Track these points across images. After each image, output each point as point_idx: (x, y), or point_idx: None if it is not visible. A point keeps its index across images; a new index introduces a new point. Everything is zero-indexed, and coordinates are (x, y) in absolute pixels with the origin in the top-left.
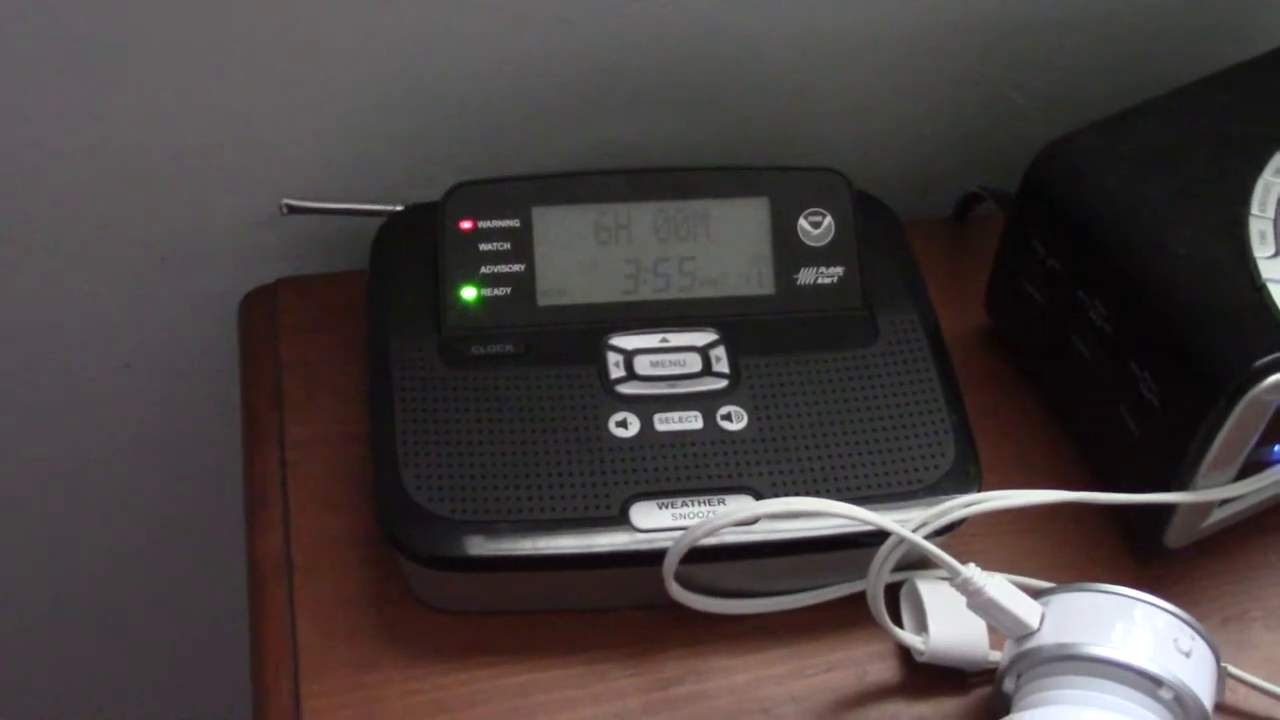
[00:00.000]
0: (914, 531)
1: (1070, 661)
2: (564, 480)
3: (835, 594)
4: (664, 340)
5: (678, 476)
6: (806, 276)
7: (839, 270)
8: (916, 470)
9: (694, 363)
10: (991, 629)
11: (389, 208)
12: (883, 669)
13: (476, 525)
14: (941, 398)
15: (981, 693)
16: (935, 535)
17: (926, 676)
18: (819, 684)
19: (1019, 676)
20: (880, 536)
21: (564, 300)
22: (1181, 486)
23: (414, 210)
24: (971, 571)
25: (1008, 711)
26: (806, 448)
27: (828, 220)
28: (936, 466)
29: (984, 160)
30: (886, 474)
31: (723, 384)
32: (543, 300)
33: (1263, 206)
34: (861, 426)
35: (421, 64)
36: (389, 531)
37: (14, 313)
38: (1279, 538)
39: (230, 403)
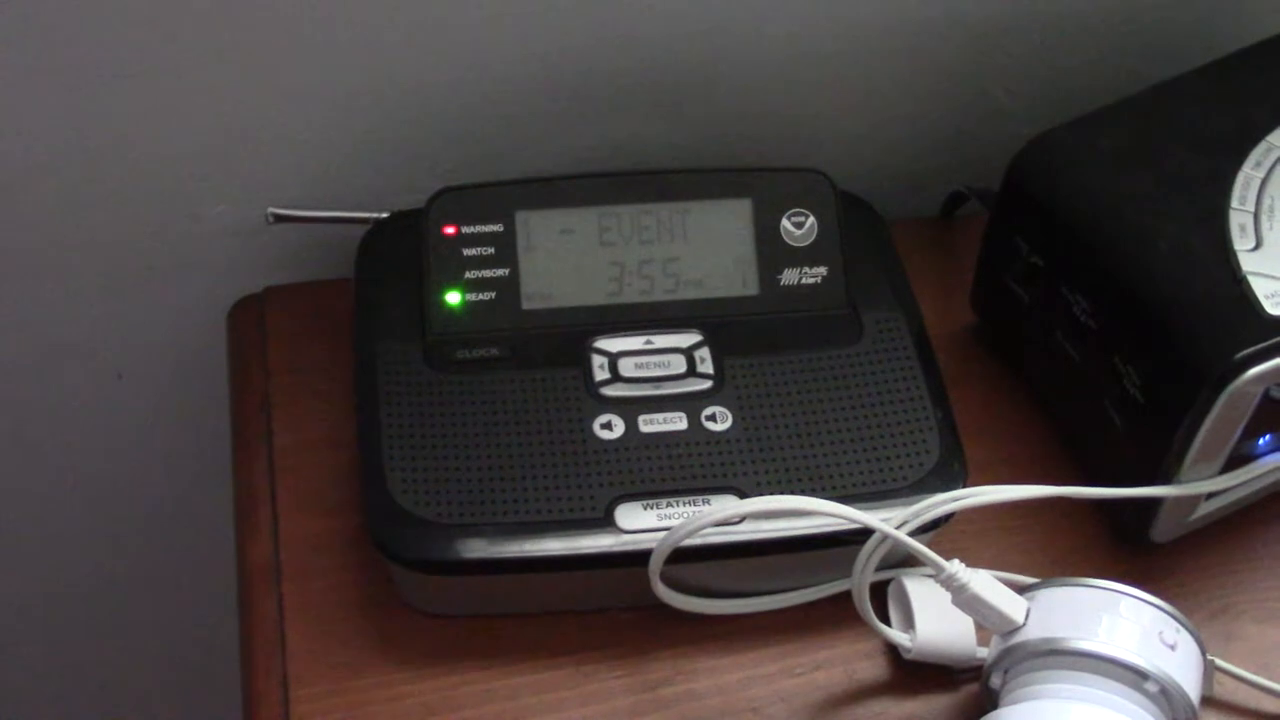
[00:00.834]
0: (898, 528)
1: (1055, 656)
2: (549, 483)
3: (822, 593)
4: (648, 342)
5: (662, 477)
6: (790, 277)
7: (822, 270)
8: (901, 468)
9: (678, 364)
10: (979, 625)
11: (374, 215)
12: (871, 667)
13: (462, 529)
14: (926, 395)
15: (970, 689)
16: (920, 532)
17: (915, 674)
18: (807, 683)
19: (1006, 672)
20: (865, 534)
21: (548, 304)
22: (1166, 481)
23: (399, 217)
24: (956, 568)
25: (996, 707)
26: (791, 447)
27: (811, 220)
28: (921, 464)
29: (971, 158)
30: (871, 472)
31: (707, 385)
32: (527, 304)
33: (1243, 200)
34: (846, 425)
35: (406, 71)
36: (375, 536)
37: (3, 322)
38: (1266, 530)
39: (221, 409)
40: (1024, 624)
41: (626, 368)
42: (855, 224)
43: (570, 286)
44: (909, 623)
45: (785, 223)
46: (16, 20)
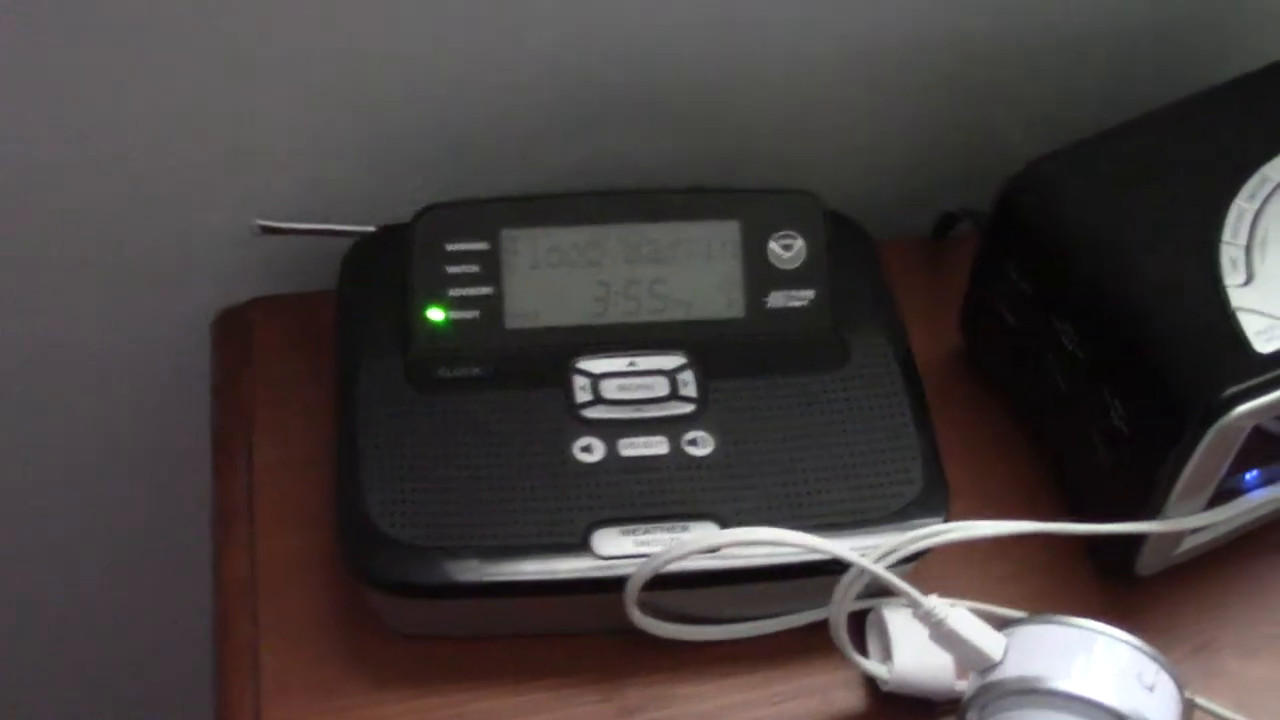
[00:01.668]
0: (875, 562)
1: (1032, 695)
2: (527, 506)
3: (801, 621)
4: (632, 364)
5: (641, 503)
6: (777, 299)
7: (809, 293)
8: (883, 497)
9: (661, 387)
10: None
11: (362, 229)
12: (849, 697)
13: (437, 552)
14: (910, 422)
15: None
16: (900, 564)
17: (892, 706)
18: (785, 712)
19: (984, 708)
20: (844, 565)
21: (533, 323)
22: (1152, 515)
23: (385, 231)
24: (933, 603)
25: None
26: (773, 473)
27: (799, 243)
28: (903, 493)
29: (967, 179)
30: (853, 500)
31: (689, 408)
32: (511, 323)
33: (1235, 233)
34: (829, 452)
35: (397, 84)
36: (348, 558)
37: None
38: (1251, 564)
39: (207, 420)
40: (1001, 661)
41: (609, 389)
42: (844, 245)
43: (555, 306)
44: (888, 653)
45: (773, 245)
46: (11, 28)
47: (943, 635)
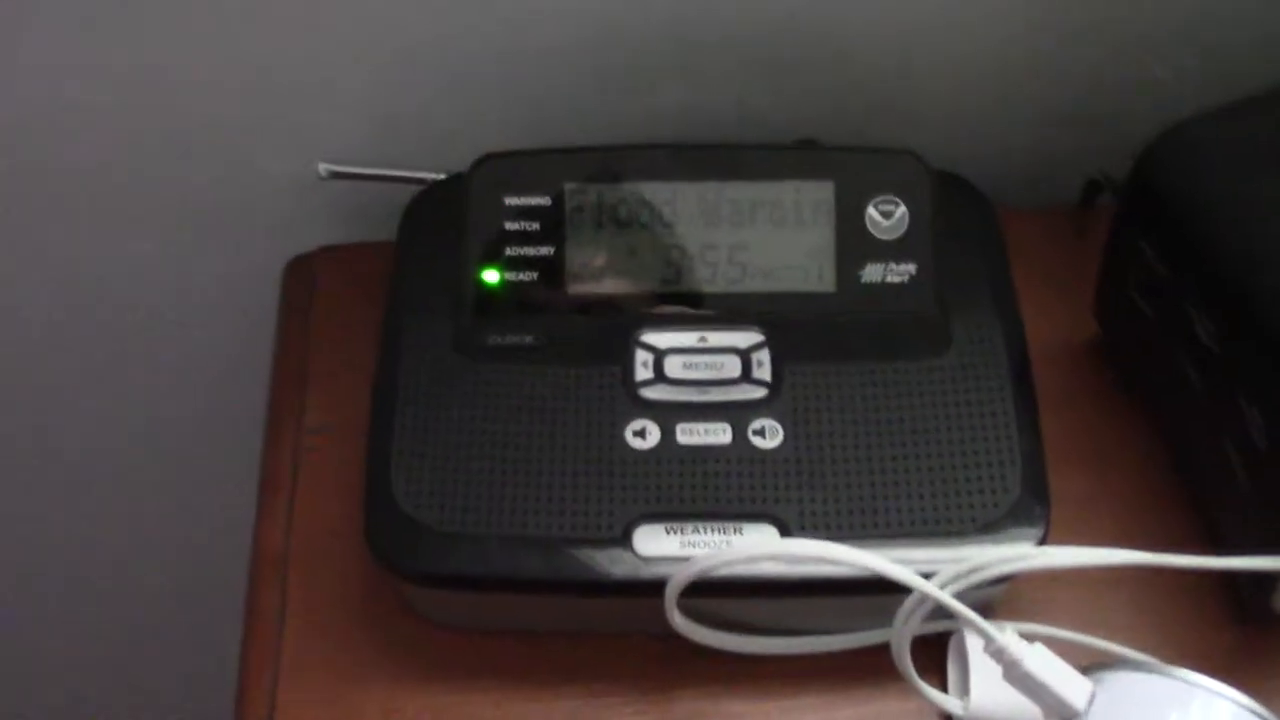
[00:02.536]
0: (944, 587)
1: None
2: (566, 494)
3: (866, 640)
4: (702, 339)
5: (693, 498)
6: (873, 273)
7: (910, 268)
8: (973, 506)
9: (732, 367)
10: None
11: (430, 175)
12: None
13: (462, 540)
14: (1013, 422)
15: None
16: (983, 586)
17: None
18: None
19: None
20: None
21: (595, 289)
22: None
23: (452, 181)
24: (1008, 640)
25: None
26: (846, 473)
27: (901, 210)
28: (997, 504)
29: (1118, 145)
30: (937, 509)
31: (761, 393)
32: (572, 288)
33: None
34: (914, 451)
35: (465, 23)
36: (370, 538)
37: (63, 265)
38: None
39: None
40: (1086, 712)
41: (673, 367)
42: (957, 213)
43: (621, 271)
44: (967, 684)
45: (871, 210)
46: None
47: (1018, 677)
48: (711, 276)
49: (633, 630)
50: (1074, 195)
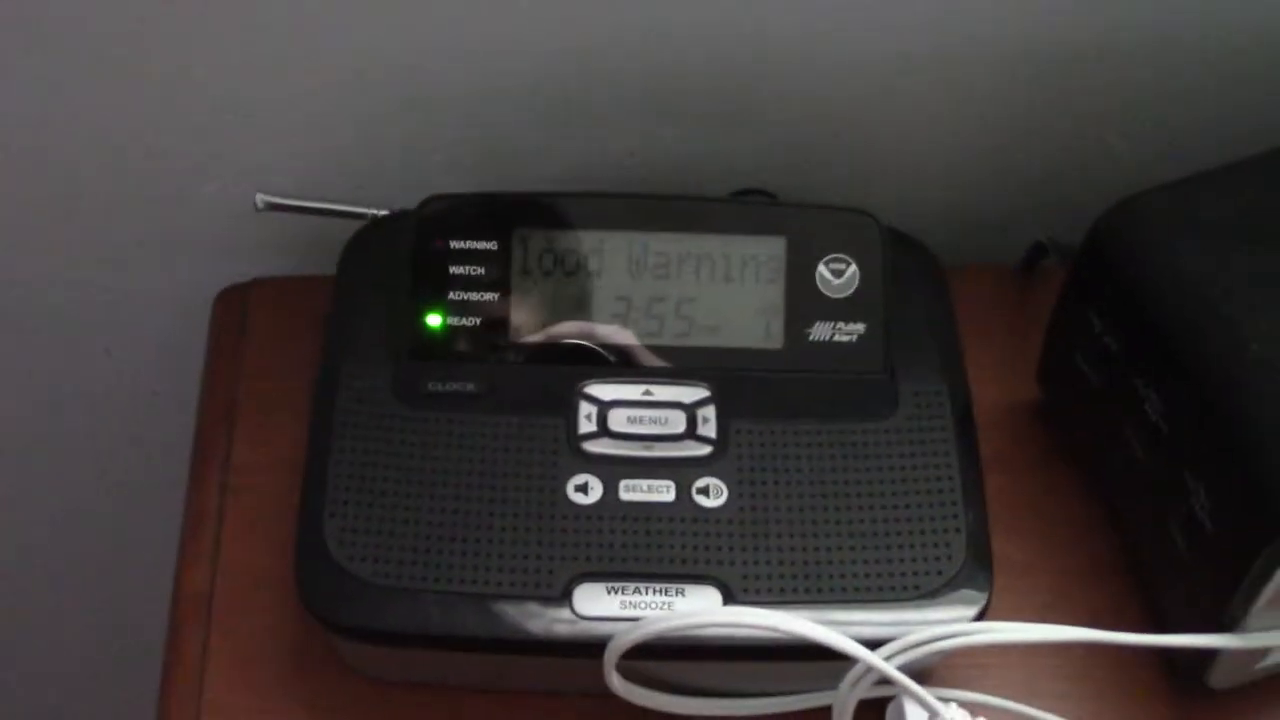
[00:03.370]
0: (887, 659)
1: None
2: (505, 549)
3: (806, 703)
4: (647, 393)
5: (635, 557)
6: (821, 332)
7: (860, 327)
8: (916, 574)
9: (677, 422)
10: None
11: (370, 211)
12: None
13: (396, 593)
14: (959, 489)
15: None
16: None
17: None
18: None
19: None
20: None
21: (540, 338)
22: (1230, 626)
23: (394, 218)
24: (951, 714)
25: None
26: (791, 534)
27: (852, 269)
28: (940, 571)
29: (1068, 207)
30: (881, 574)
31: (706, 450)
32: (515, 336)
33: None
34: (859, 515)
35: (417, 54)
36: (300, 588)
37: None
38: None
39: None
40: None
41: (617, 421)
42: (908, 273)
43: (567, 320)
44: None
45: (822, 269)
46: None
47: None
48: (659, 329)
49: (569, 690)
50: (1018, 254)
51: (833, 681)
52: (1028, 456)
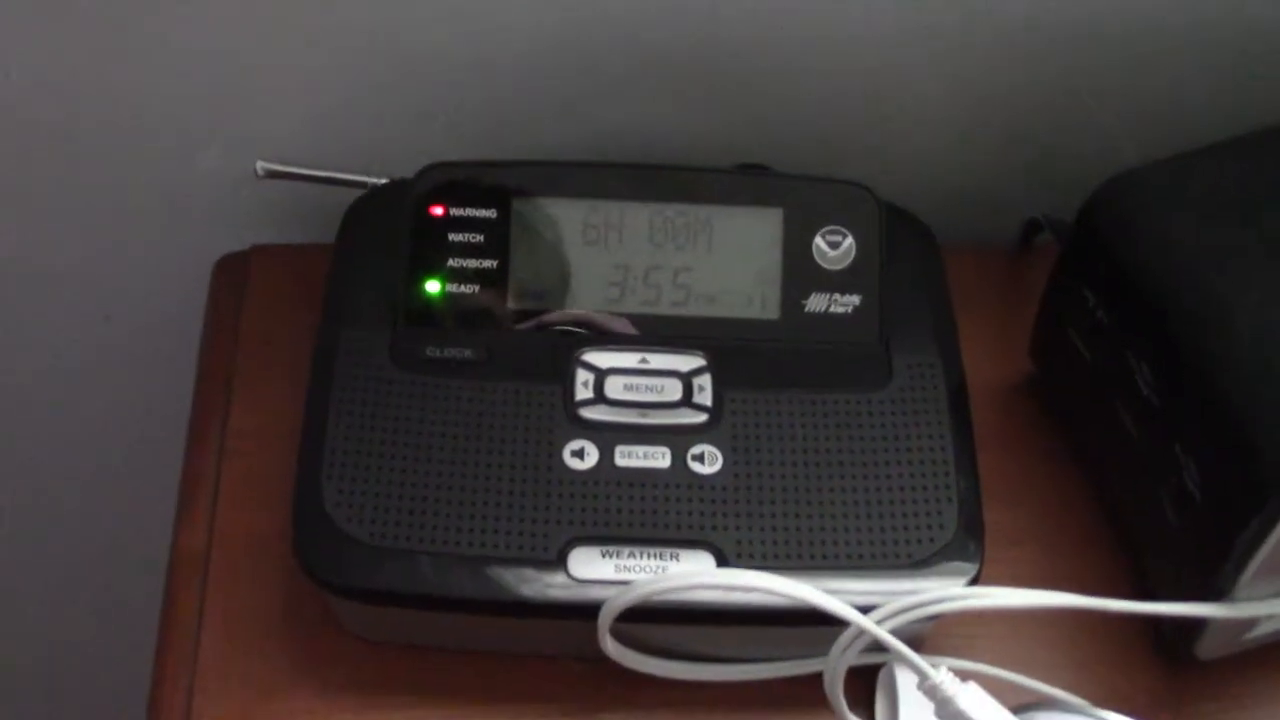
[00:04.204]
0: (880, 623)
1: None
2: (501, 512)
3: (795, 670)
4: (643, 361)
5: (630, 522)
6: (817, 303)
7: (855, 299)
8: (909, 542)
9: (673, 390)
10: None
11: (370, 180)
12: None
13: (393, 554)
14: (951, 459)
15: None
16: (919, 621)
17: None
18: None
19: None
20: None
21: (537, 305)
22: (1218, 596)
23: (395, 186)
24: (942, 676)
25: None
26: (784, 502)
27: (848, 241)
28: (932, 540)
29: (1062, 184)
30: (873, 542)
31: (701, 418)
32: (514, 303)
33: None
34: (853, 484)
35: (426, 24)
36: (297, 549)
37: None
38: None
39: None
40: None
41: (614, 388)
42: (903, 247)
43: (565, 288)
44: (895, 717)
45: (819, 240)
46: None
47: (949, 715)
48: (655, 298)
49: (563, 653)
50: (1014, 234)
51: (825, 649)
52: (1020, 431)
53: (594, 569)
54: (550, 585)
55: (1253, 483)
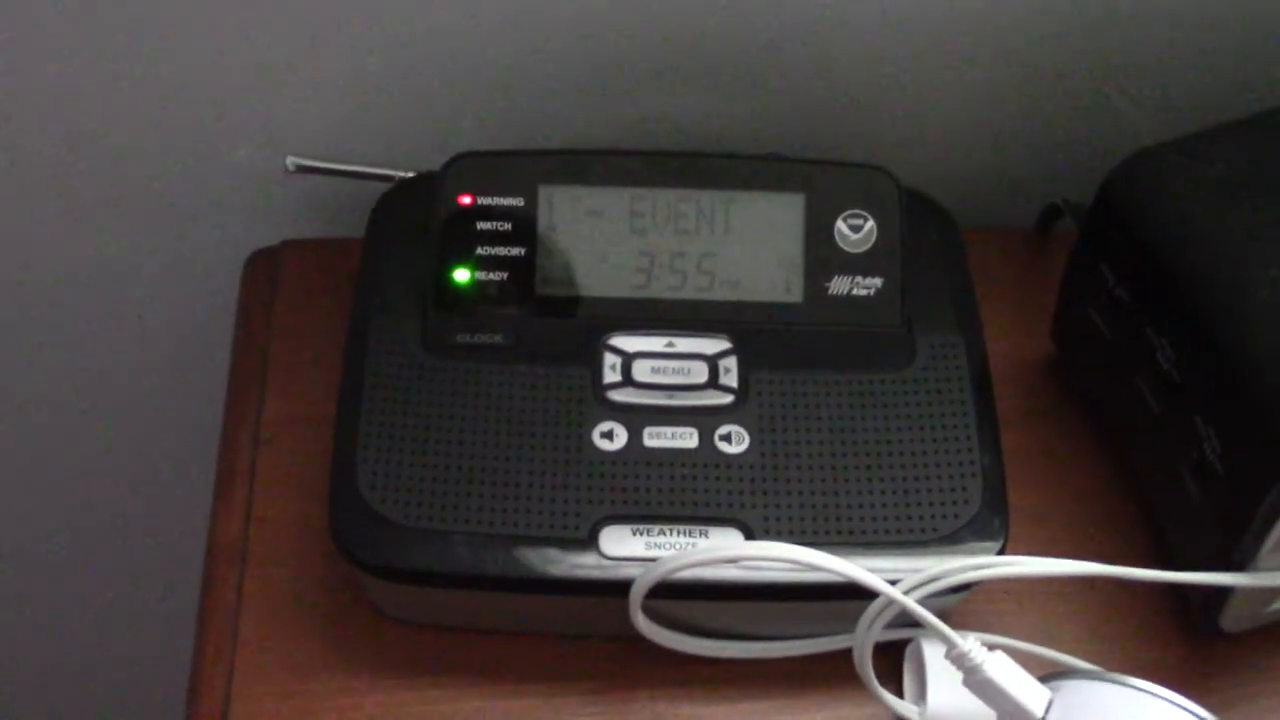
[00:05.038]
0: (909, 592)
1: None
2: (533, 493)
3: (825, 646)
4: (669, 344)
5: (659, 500)
6: (840, 286)
7: (877, 282)
8: (934, 517)
9: (699, 372)
10: None
11: (398, 173)
12: None
13: (429, 535)
14: (975, 437)
15: None
16: (946, 594)
17: None
18: None
19: None
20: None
21: (565, 291)
22: (1241, 566)
23: (423, 179)
24: (969, 645)
25: None
26: (811, 479)
27: (870, 224)
28: (957, 515)
29: (1082, 169)
30: (900, 519)
31: (728, 399)
32: (541, 290)
33: None
34: (878, 461)
35: (450, 23)
36: (335, 532)
37: (23, 253)
38: None
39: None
40: (1043, 719)
41: (641, 371)
42: (924, 231)
43: (591, 274)
44: (923, 691)
45: (841, 224)
46: None
47: (977, 683)
48: (680, 283)
49: (594, 632)
50: (1032, 219)
51: (853, 625)
52: (1042, 410)
53: (625, 547)
54: (582, 563)
55: (1273, 454)
